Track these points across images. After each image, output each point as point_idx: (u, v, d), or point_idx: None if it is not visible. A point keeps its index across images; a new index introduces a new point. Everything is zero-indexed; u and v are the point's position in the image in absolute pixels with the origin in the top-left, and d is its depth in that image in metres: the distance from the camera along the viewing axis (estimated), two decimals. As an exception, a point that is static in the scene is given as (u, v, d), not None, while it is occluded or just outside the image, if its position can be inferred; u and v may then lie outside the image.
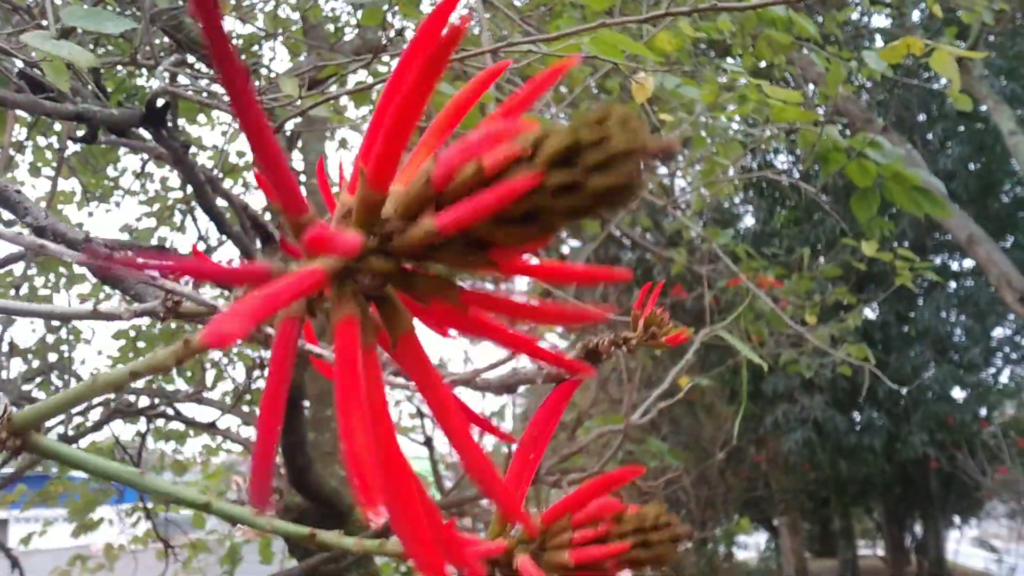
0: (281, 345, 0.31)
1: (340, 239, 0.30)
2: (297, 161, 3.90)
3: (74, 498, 4.01)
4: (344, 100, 3.33)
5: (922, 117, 9.40)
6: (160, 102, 1.22)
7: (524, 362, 0.74)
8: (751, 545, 15.45)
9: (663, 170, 5.02)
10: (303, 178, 3.69)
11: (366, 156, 0.32)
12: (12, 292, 2.72)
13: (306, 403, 3.92)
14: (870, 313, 8.49)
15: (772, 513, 10.84)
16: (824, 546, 16.11)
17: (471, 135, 0.30)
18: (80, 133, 1.55)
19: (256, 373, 3.91)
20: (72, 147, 3.45)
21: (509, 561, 0.47)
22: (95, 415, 3.15)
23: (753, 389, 7.46)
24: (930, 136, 9.25)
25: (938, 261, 9.46)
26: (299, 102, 1.19)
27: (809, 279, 3.35)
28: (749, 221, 8.40)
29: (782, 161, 7.68)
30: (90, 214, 3.97)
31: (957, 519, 13.86)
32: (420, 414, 5.25)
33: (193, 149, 3.81)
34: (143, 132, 1.67)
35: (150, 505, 3.72)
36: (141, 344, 4.10)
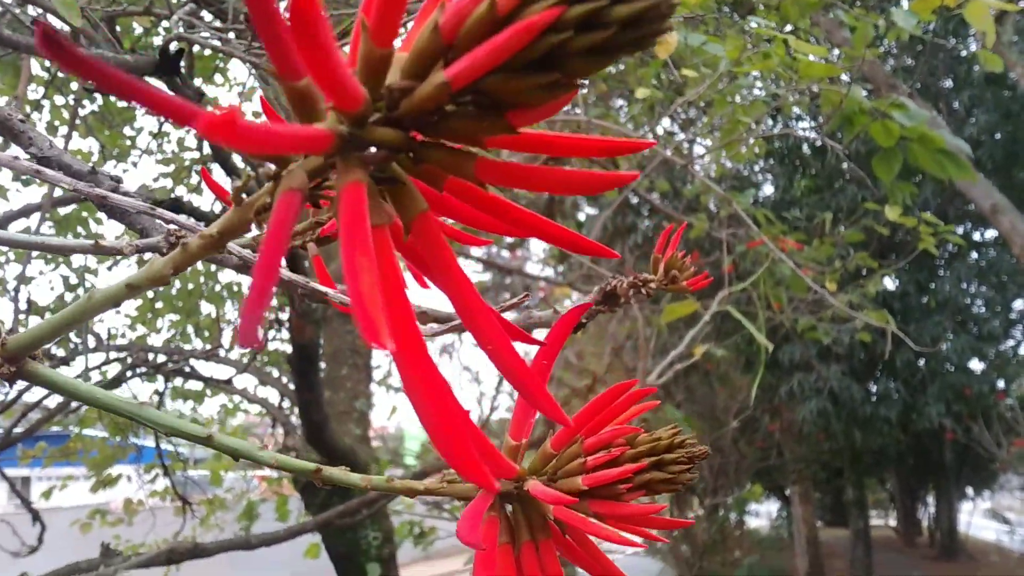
0: (280, 213, 0.28)
1: (342, 90, 0.26)
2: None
3: (91, 454, 4.07)
4: None
5: (948, 83, 9.21)
6: (174, 48, 1.20)
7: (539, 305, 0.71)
8: (763, 513, 15.54)
9: (681, 135, 4.95)
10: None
11: (368, 7, 0.28)
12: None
13: (322, 364, 3.94)
14: (890, 283, 8.41)
15: (785, 482, 10.87)
16: (836, 515, 16.17)
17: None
18: (93, 85, 1.53)
19: (272, 333, 3.93)
20: (88, 105, 3.44)
21: (519, 486, 0.45)
22: (112, 371, 3.18)
23: (769, 358, 7.43)
24: (956, 104, 9.07)
25: (960, 231, 9.34)
26: None
27: (830, 244, 3.30)
28: (768, 189, 8.30)
29: (803, 127, 7.56)
30: (108, 174, 3.95)
31: (971, 491, 13.86)
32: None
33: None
34: (158, 84, 1.66)
35: (168, 463, 3.77)
36: (159, 305, 4.12)
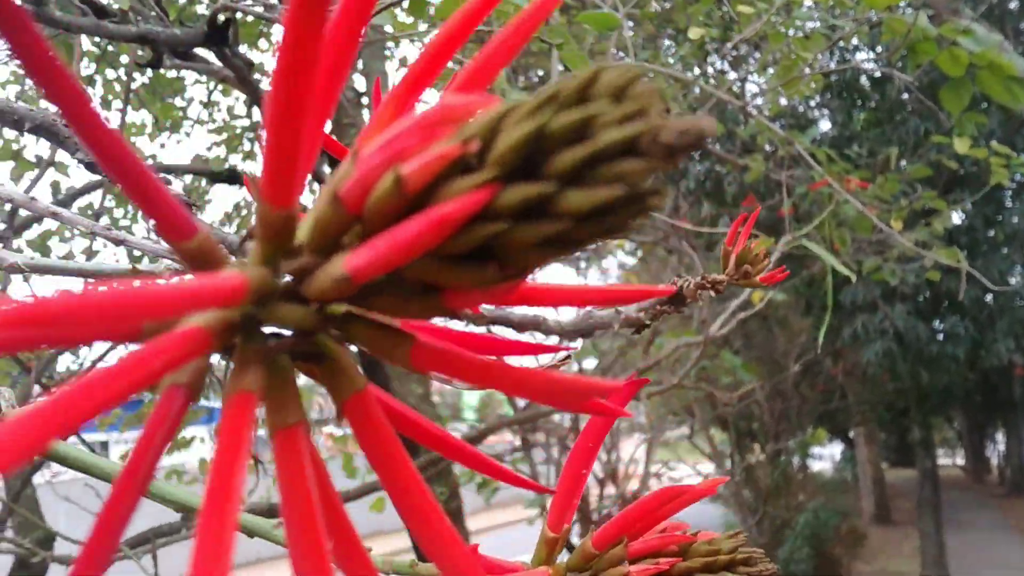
0: (158, 420, 0.21)
1: (213, 282, 0.21)
2: (359, 82, 3.86)
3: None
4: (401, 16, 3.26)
5: (1014, 4, 8.71)
6: (221, 19, 1.19)
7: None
8: (826, 456, 15.42)
9: (733, 74, 4.80)
10: (365, 100, 3.65)
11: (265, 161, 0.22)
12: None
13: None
14: (955, 218, 8.10)
15: (848, 424, 10.74)
16: (901, 456, 15.96)
17: (402, 121, 0.20)
18: (144, 59, 1.54)
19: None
20: (140, 78, 3.49)
21: None
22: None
23: (832, 300, 7.27)
24: (1024, 26, 8.59)
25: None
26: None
27: (895, 181, 3.18)
28: (826, 126, 8.03)
29: (862, 59, 7.25)
30: (162, 145, 4.03)
31: (1042, 427, 13.49)
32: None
33: (257, 76, 3.81)
34: (207, 55, 1.66)
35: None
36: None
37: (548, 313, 0.61)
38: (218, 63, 1.47)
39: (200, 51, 1.54)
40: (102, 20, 1.19)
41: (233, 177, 2.27)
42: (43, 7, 0.99)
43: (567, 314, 0.61)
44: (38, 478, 2.35)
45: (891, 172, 3.38)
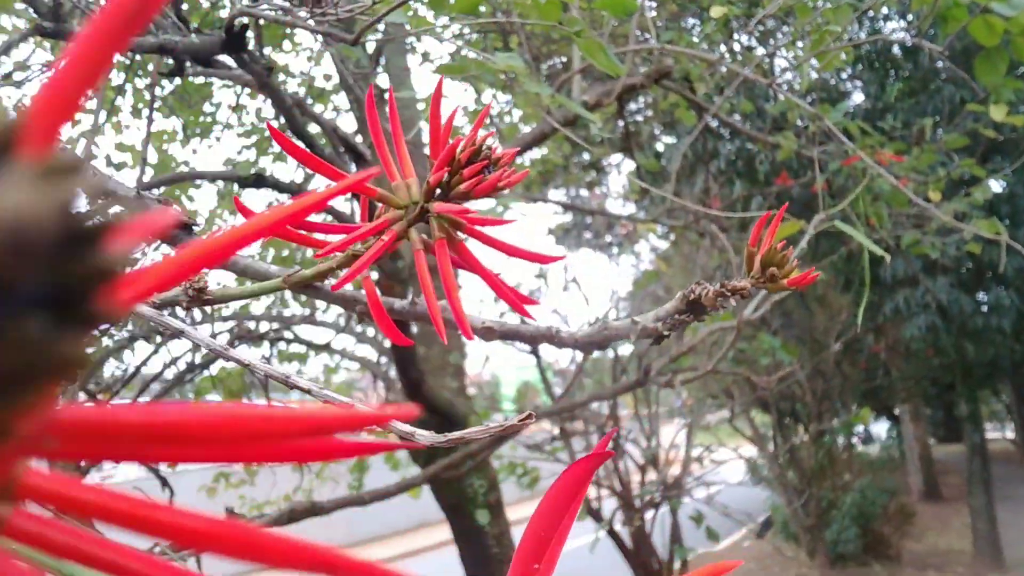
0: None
1: None
2: (382, 79, 3.87)
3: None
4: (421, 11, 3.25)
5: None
6: (240, 23, 1.20)
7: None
8: (872, 434, 15.18)
9: (760, 50, 4.71)
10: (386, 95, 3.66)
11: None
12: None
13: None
14: (995, 186, 7.89)
15: (893, 401, 10.55)
16: (949, 431, 15.66)
17: None
18: (167, 69, 1.56)
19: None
20: (168, 86, 3.53)
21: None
22: (222, 341, 3.31)
23: (871, 275, 7.14)
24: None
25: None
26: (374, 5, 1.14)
27: (932, 152, 3.09)
28: (858, 98, 7.86)
29: (892, 28, 7.08)
30: (194, 151, 4.08)
31: (1095, 397, 13.13)
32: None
33: (281, 77, 3.84)
34: (229, 61, 1.67)
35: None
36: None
37: (561, 325, 0.63)
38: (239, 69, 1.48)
39: (224, 57, 1.55)
40: (123, 32, 1.20)
41: (260, 181, 2.29)
42: (63, 24, 1.00)
43: (582, 326, 0.61)
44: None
45: (927, 143, 3.30)
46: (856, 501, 8.62)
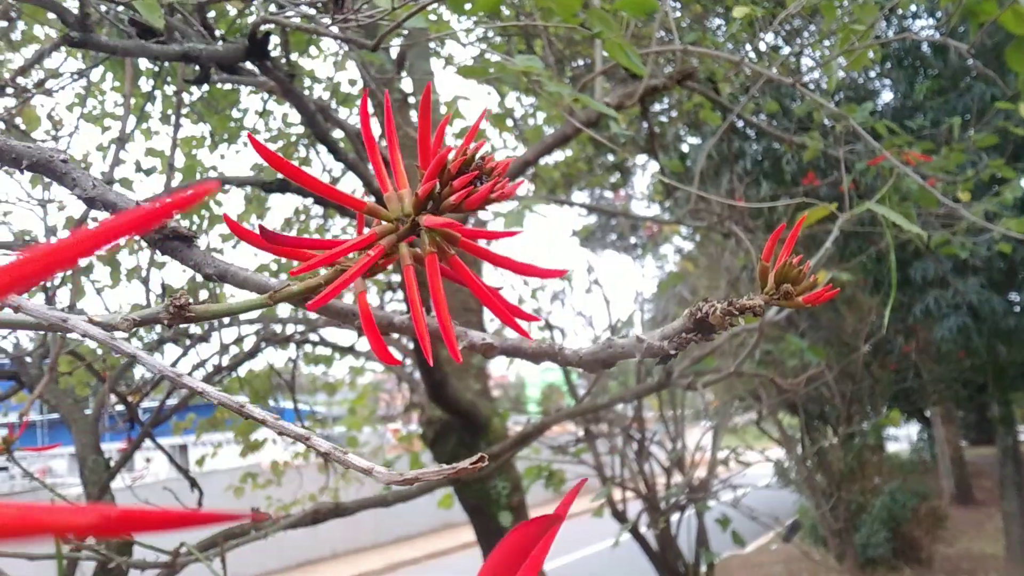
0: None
1: None
2: (406, 83, 3.89)
3: (238, 421, 4.34)
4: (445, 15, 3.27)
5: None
6: (263, 31, 1.21)
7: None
8: (902, 437, 14.96)
9: (786, 49, 4.67)
10: (412, 99, 3.68)
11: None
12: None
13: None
14: (1028, 184, 7.74)
15: (923, 404, 10.38)
16: (981, 434, 15.36)
17: None
18: (192, 76, 1.58)
19: (389, 295, 4.04)
20: (196, 92, 3.58)
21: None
22: (248, 344, 3.36)
23: (901, 276, 7.04)
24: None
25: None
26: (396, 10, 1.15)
27: (961, 151, 3.05)
28: (887, 96, 7.75)
29: (921, 26, 6.98)
30: (222, 156, 4.13)
31: None
32: (548, 326, 5.30)
33: (307, 82, 3.88)
34: (254, 68, 1.69)
35: (308, 424, 3.98)
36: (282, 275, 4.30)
37: (565, 343, 0.63)
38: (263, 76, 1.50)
39: (245, 64, 1.57)
40: (147, 41, 1.23)
41: (285, 186, 2.31)
42: (90, 33, 1.02)
43: (585, 344, 0.61)
44: (117, 483, 2.44)
45: (956, 142, 3.25)
46: (886, 504, 8.50)
